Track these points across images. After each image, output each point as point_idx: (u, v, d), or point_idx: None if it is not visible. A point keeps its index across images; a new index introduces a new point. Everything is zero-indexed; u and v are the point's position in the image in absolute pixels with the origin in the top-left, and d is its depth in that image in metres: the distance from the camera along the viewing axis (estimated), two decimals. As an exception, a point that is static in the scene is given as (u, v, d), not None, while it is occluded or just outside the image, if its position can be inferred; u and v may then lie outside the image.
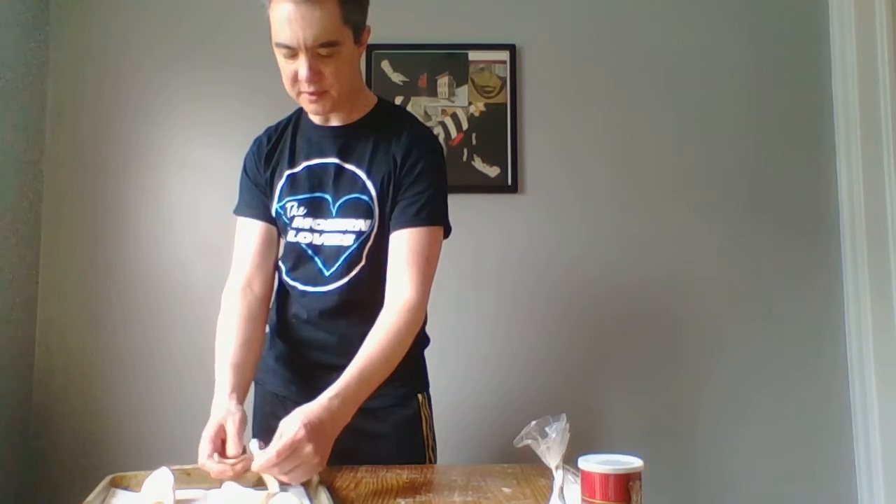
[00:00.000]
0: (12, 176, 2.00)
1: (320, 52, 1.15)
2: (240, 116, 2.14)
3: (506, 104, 2.17)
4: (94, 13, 2.19)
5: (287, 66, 1.18)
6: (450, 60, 2.19)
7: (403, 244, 1.23)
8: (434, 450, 1.36)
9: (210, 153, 2.15)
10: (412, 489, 1.05)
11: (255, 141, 1.39)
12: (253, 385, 1.38)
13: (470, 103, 2.18)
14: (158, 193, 2.15)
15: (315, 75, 1.16)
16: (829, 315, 2.16)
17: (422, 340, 1.37)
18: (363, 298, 1.27)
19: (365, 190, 1.26)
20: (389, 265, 1.24)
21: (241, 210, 1.37)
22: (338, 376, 1.13)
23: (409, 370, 1.27)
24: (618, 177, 2.19)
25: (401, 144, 1.27)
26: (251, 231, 1.33)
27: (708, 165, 2.20)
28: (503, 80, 2.19)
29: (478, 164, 2.16)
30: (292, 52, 1.15)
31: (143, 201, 2.15)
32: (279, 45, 1.16)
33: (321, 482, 1.02)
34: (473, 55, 2.19)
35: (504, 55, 2.19)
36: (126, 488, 1.03)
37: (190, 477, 1.04)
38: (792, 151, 2.21)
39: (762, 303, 2.16)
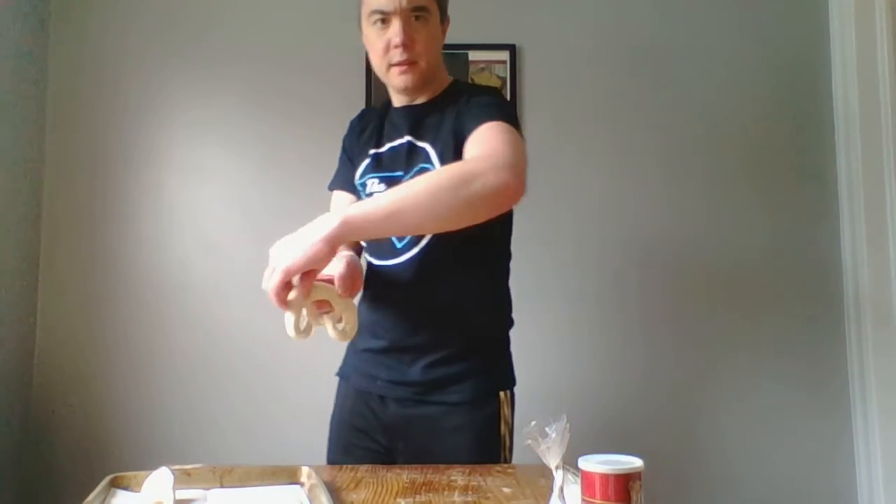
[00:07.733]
0: (12, 176, 2.00)
1: (414, 15, 1.21)
2: (239, 115, 2.15)
3: (506, 104, 2.17)
4: (94, 11, 2.19)
5: (379, 38, 1.23)
6: (450, 60, 2.16)
7: (479, 137, 1.14)
8: (510, 450, 1.29)
9: (210, 153, 2.15)
10: (412, 489, 1.05)
11: (350, 123, 1.46)
12: (337, 380, 1.40)
13: (470, 103, 2.18)
14: (158, 193, 2.15)
15: (408, 39, 1.21)
16: (828, 315, 2.17)
17: (502, 322, 1.35)
18: (434, 271, 1.25)
19: (429, 160, 1.26)
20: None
21: (337, 184, 1.43)
22: (411, 356, 1.21)
23: (490, 361, 1.26)
24: (617, 177, 2.19)
25: (461, 103, 1.26)
26: (346, 200, 1.38)
27: (708, 166, 2.20)
28: (503, 80, 2.19)
29: (478, 164, 2.16)
30: (386, 18, 1.21)
31: (143, 201, 2.15)
32: (374, 13, 1.22)
33: (321, 482, 1.02)
34: (473, 55, 2.19)
35: (504, 55, 2.19)
36: (126, 488, 1.03)
37: (190, 477, 1.03)
38: (792, 152, 2.21)
39: (762, 303, 2.17)
